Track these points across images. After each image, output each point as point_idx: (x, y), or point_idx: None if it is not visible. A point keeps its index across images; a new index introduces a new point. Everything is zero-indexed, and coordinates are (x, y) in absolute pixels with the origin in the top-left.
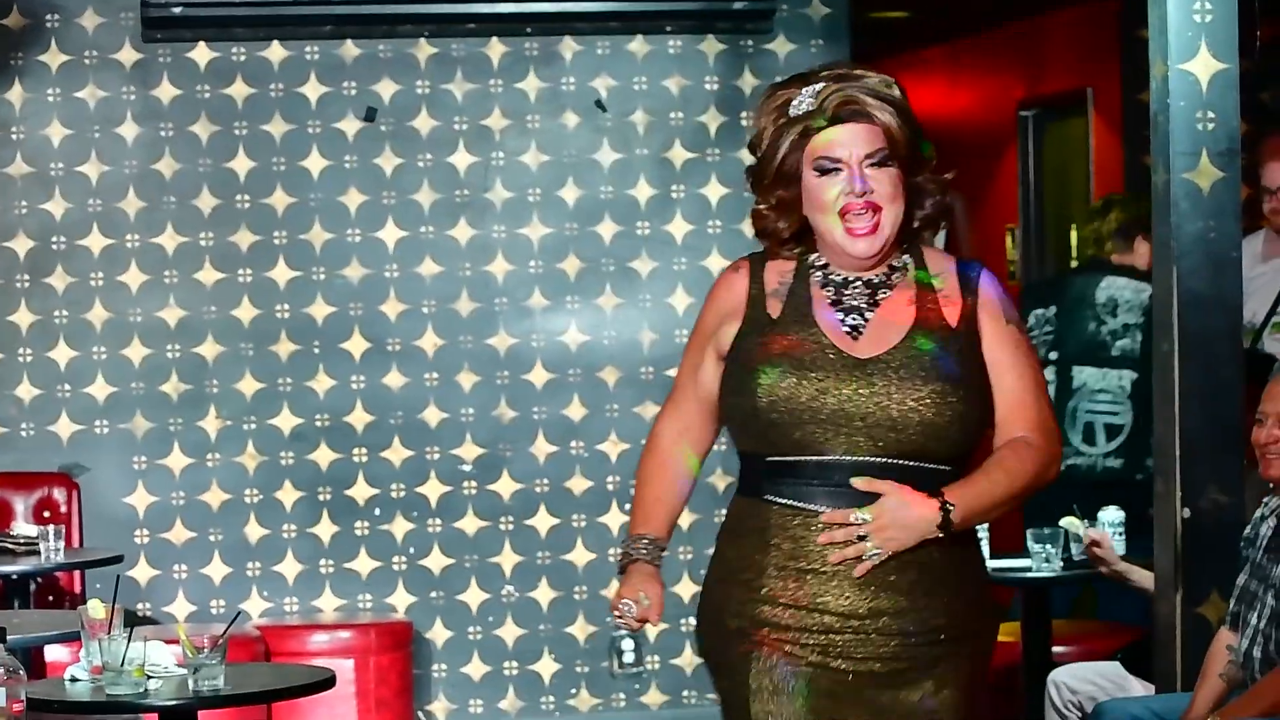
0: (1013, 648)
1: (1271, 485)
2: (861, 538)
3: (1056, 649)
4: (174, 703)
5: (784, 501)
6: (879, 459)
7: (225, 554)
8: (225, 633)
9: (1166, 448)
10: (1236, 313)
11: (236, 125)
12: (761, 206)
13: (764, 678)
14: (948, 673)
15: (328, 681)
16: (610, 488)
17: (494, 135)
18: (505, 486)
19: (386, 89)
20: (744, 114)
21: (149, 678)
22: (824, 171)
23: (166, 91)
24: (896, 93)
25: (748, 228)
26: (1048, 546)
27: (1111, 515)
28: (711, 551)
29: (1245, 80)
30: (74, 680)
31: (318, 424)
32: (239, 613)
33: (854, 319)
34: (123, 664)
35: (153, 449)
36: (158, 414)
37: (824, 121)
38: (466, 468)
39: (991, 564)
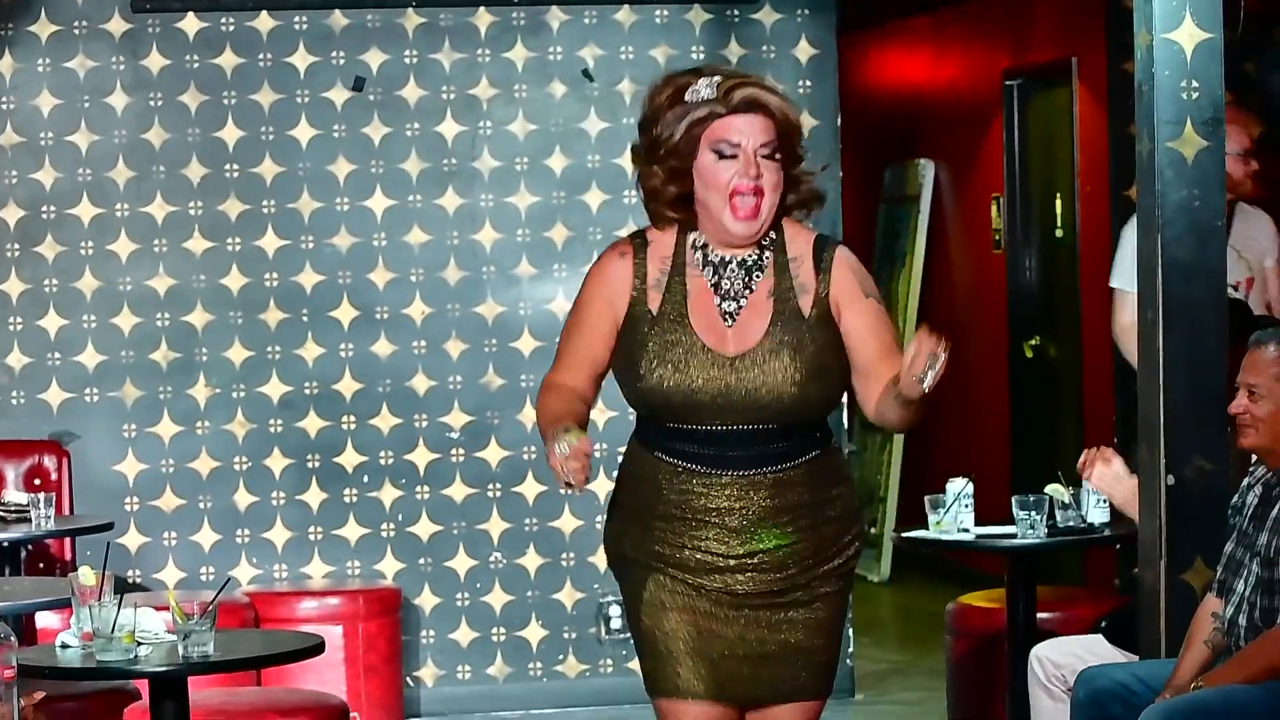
0: (998, 614)
1: (1256, 455)
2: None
3: (1041, 615)
4: (164, 669)
5: (672, 461)
6: (752, 426)
7: (215, 521)
8: (215, 599)
9: (1151, 416)
10: (1220, 280)
11: (225, 95)
12: (653, 174)
13: (653, 598)
14: (816, 595)
15: (317, 648)
16: (597, 455)
17: (481, 104)
18: (493, 454)
19: (374, 58)
20: None
21: (139, 644)
22: (721, 155)
23: (155, 61)
24: (784, 93)
25: None
26: (1033, 513)
27: None
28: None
29: (1229, 50)
30: (64, 647)
31: (306, 392)
32: (228, 579)
33: (729, 304)
34: (113, 630)
35: (142, 417)
36: (147, 382)
37: (726, 109)
38: (454, 435)
39: (977, 531)
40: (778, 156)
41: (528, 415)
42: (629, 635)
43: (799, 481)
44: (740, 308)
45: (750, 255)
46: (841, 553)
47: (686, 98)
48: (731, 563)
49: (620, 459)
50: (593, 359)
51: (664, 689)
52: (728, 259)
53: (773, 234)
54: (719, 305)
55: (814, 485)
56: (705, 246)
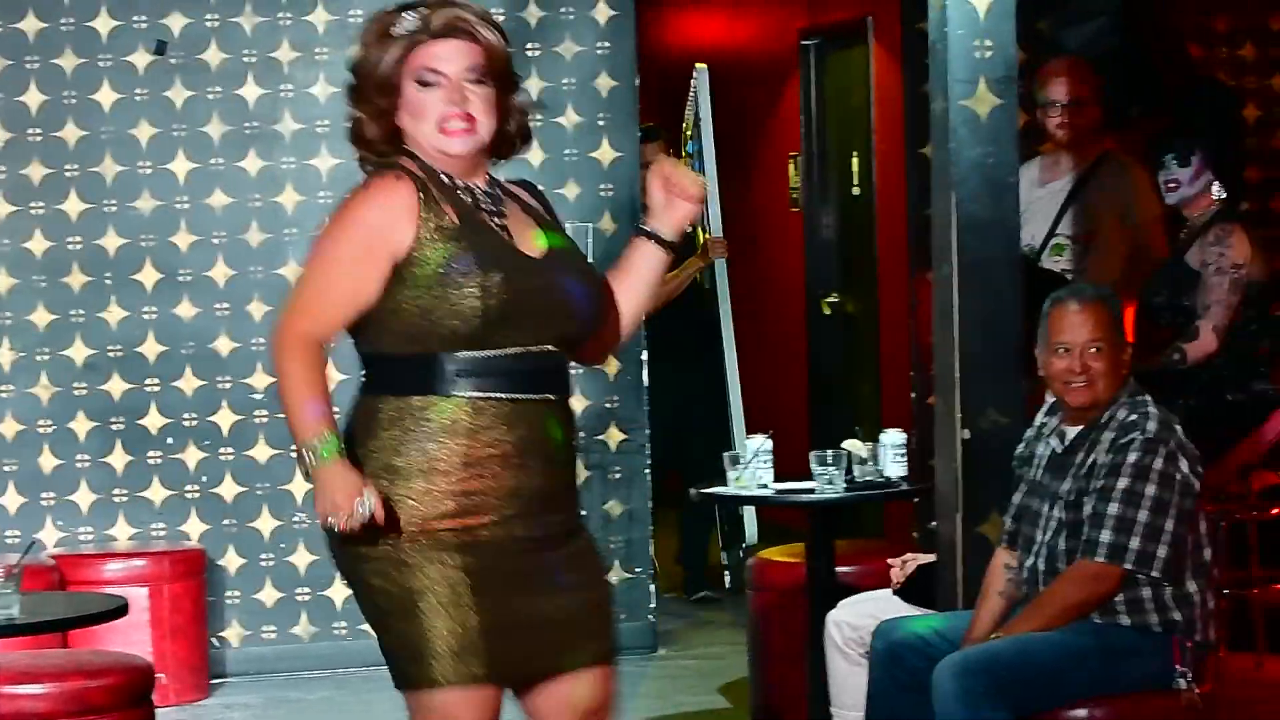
0: (798, 568)
1: (1067, 409)
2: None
3: (841, 569)
4: None
5: (485, 396)
6: (547, 348)
7: (19, 484)
8: (19, 562)
9: (947, 370)
10: (1015, 236)
11: (28, 59)
12: (360, 115)
13: (450, 572)
14: (587, 536)
15: (121, 609)
16: None
17: (283, 68)
18: None
19: (176, 22)
20: (529, 45)
21: None
22: (425, 84)
23: None
24: (491, 17)
25: (534, 156)
26: (831, 469)
27: (893, 438)
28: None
29: (1022, 8)
30: None
31: (110, 355)
32: (33, 542)
33: (498, 220)
34: None
35: None
36: None
37: (428, 35)
38: (258, 396)
39: (776, 486)
40: (486, 82)
41: (330, 376)
42: None
43: (571, 411)
44: (506, 224)
45: (486, 185)
46: (580, 501)
47: (392, 32)
48: (550, 502)
49: (380, 423)
50: (360, 300)
51: (438, 678)
52: (473, 187)
53: (489, 173)
54: (492, 221)
55: (574, 417)
56: (445, 173)
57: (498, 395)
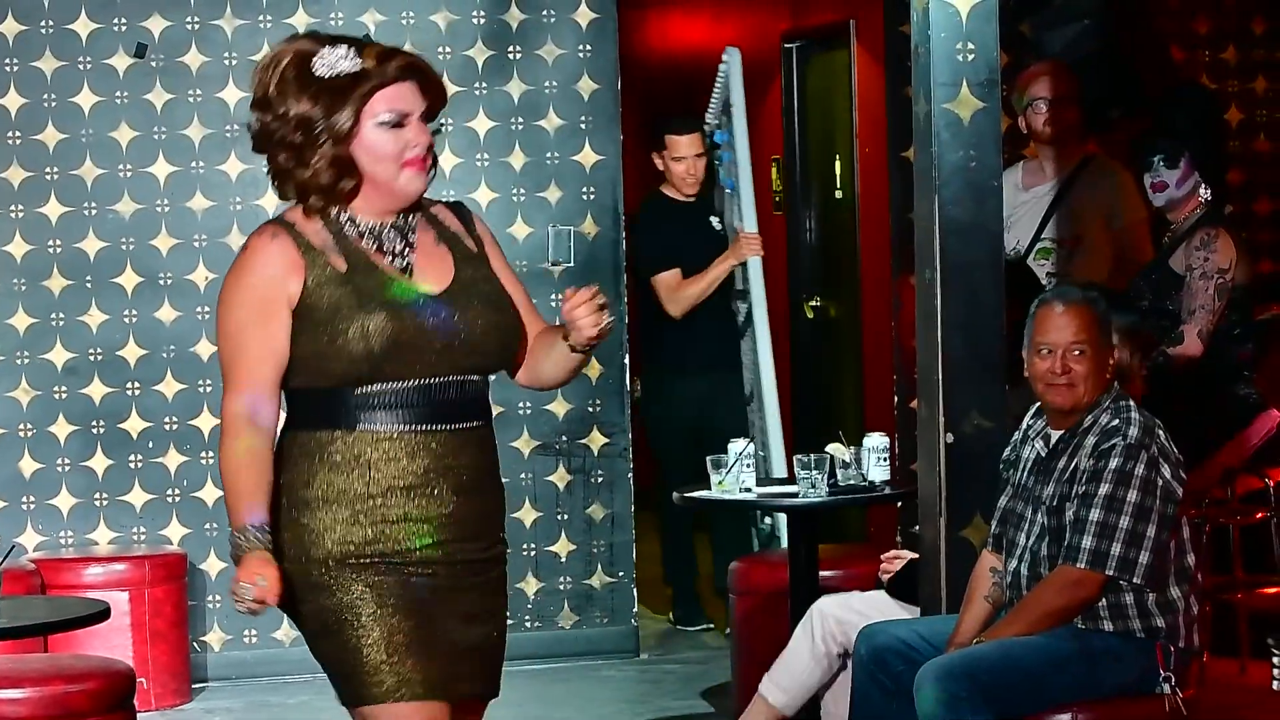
0: (781, 572)
1: (1051, 413)
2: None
3: (824, 573)
4: None
5: (388, 428)
6: (453, 377)
7: (0, 488)
8: None
9: (929, 373)
10: (997, 240)
11: (7, 62)
12: (309, 164)
13: (362, 602)
14: (503, 569)
15: (103, 613)
16: None
17: None
18: None
19: (156, 25)
20: (510, 48)
21: None
22: (388, 125)
23: None
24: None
25: (515, 160)
26: (814, 472)
27: (875, 441)
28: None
29: (1004, 12)
30: None
31: (90, 358)
32: (13, 546)
33: (399, 261)
34: None
35: None
36: None
37: (389, 78)
38: None
39: (759, 490)
40: (428, 119)
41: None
42: None
43: (490, 438)
44: (410, 262)
45: (398, 220)
46: (503, 528)
47: (318, 73)
48: (464, 529)
49: (293, 456)
50: (278, 353)
51: (377, 694)
52: (376, 226)
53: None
54: (391, 262)
55: (493, 445)
56: (351, 219)
57: (399, 427)
